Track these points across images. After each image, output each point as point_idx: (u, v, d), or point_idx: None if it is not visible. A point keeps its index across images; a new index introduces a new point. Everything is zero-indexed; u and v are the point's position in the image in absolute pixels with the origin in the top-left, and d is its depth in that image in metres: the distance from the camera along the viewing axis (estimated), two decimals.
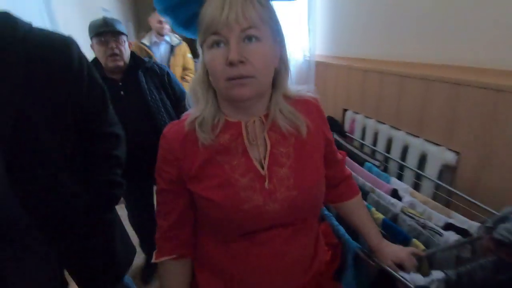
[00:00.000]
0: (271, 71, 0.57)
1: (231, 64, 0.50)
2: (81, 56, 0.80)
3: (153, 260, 0.68)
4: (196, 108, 0.60)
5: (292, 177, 0.59)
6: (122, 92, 1.38)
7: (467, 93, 1.03)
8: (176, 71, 2.55)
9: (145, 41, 2.49)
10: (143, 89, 1.40)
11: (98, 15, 1.66)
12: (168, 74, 1.52)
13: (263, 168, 0.59)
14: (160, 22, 2.47)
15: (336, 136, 1.66)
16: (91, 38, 1.36)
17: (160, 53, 2.56)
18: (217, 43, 0.52)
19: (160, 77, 1.49)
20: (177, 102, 1.53)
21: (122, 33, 1.37)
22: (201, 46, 0.56)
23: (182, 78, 2.62)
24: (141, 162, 1.25)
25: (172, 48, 2.58)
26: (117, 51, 1.33)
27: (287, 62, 0.61)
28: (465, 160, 1.08)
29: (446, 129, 1.13)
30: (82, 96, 0.80)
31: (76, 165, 0.81)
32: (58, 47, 0.75)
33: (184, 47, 2.65)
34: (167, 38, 2.57)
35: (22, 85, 0.67)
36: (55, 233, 0.78)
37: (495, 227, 0.74)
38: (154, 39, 2.54)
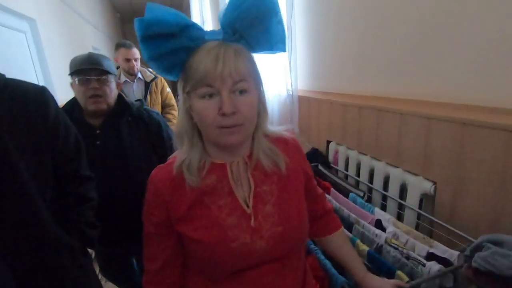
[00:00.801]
0: (256, 117, 0.62)
1: (223, 115, 0.54)
2: (56, 105, 0.87)
3: None
4: (181, 151, 0.63)
5: (277, 213, 0.62)
6: (98, 142, 1.18)
7: (438, 126, 1.10)
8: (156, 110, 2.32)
9: None
10: (123, 140, 1.19)
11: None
12: (159, 124, 1.31)
13: (248, 206, 0.61)
14: (128, 60, 2.16)
15: (321, 167, 1.71)
16: (71, 75, 1.17)
17: (133, 93, 2.23)
18: (209, 95, 0.56)
19: (149, 128, 1.27)
20: (164, 158, 1.10)
21: (108, 72, 1.19)
22: (187, 92, 0.59)
23: (163, 117, 2.35)
24: (115, 226, 1.15)
25: (147, 85, 2.26)
26: (99, 92, 1.15)
27: (265, 103, 0.66)
28: (441, 189, 1.13)
29: (422, 159, 1.20)
30: (58, 142, 0.87)
31: (55, 207, 0.85)
32: (35, 97, 0.81)
33: (161, 81, 2.35)
34: (139, 75, 2.28)
35: (7, 131, 0.72)
36: (26, 275, 0.79)
37: (472, 256, 0.77)
38: (124, 78, 2.22)
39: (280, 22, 0.60)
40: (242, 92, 0.57)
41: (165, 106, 2.36)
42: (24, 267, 0.77)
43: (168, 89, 2.39)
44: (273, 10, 0.58)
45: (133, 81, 2.23)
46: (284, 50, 0.63)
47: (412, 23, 1.22)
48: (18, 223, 0.76)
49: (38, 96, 0.82)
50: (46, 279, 0.83)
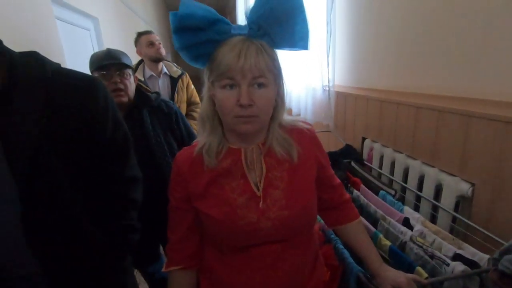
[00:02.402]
0: (271, 110, 0.66)
1: (241, 105, 0.60)
2: (107, 98, 0.79)
3: (163, 270, 0.76)
4: (203, 136, 0.70)
5: (285, 198, 0.67)
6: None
7: (478, 124, 1.04)
8: (182, 108, 2.12)
9: (139, 75, 1.99)
10: (147, 130, 1.25)
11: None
12: (176, 113, 1.37)
13: (258, 189, 0.67)
14: (152, 43, 1.99)
15: (354, 164, 1.69)
16: (92, 72, 1.23)
17: (159, 89, 2.05)
18: (230, 86, 0.61)
19: (168, 117, 1.33)
20: (183, 145, 1.18)
21: (128, 66, 1.25)
22: (212, 81, 0.65)
23: (188, 114, 2.18)
24: (144, 217, 1.04)
25: (173, 82, 2.10)
26: (121, 85, 1.20)
27: (283, 96, 0.70)
28: (479, 191, 1.07)
29: (460, 159, 1.14)
30: (105, 138, 0.78)
31: (92, 208, 0.77)
32: (83, 87, 0.74)
33: (187, 77, 2.20)
34: (164, 69, 2.11)
35: (43, 123, 0.65)
36: (64, 279, 0.74)
37: (500, 259, 0.73)
38: (149, 72, 2.04)
39: (304, 20, 0.62)
40: (260, 86, 0.61)
41: (190, 104, 2.22)
42: (59, 270, 0.72)
43: (193, 86, 2.25)
44: (299, 9, 0.61)
45: (159, 76, 2.07)
46: (306, 48, 0.65)
47: (456, 17, 1.16)
48: (49, 216, 0.68)
49: (87, 85, 0.75)
50: (83, 283, 0.77)
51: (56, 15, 1.67)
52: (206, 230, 0.72)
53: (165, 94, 2.06)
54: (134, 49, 2.21)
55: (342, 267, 0.87)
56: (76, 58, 2.08)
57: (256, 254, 0.67)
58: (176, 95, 2.07)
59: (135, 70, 1.98)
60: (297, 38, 0.63)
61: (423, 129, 1.32)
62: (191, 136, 1.40)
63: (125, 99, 1.22)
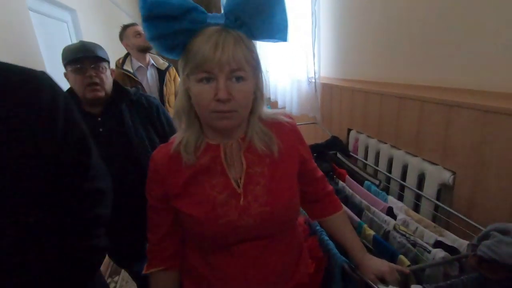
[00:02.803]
0: (250, 104, 0.64)
1: (218, 100, 0.57)
2: (56, 95, 0.61)
3: (143, 272, 0.73)
4: (180, 132, 0.67)
5: (266, 194, 0.65)
6: (100, 129, 1.17)
7: (458, 114, 1.06)
8: (171, 101, 2.09)
9: (128, 67, 1.97)
10: (127, 125, 1.19)
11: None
12: (157, 107, 1.32)
13: (239, 186, 0.65)
14: (140, 34, 1.97)
15: (339, 155, 1.70)
16: (65, 66, 1.16)
17: (147, 80, 2.02)
18: (206, 79, 0.57)
19: (148, 112, 1.28)
20: (165, 139, 1.09)
21: (103, 60, 1.18)
22: (187, 74, 0.61)
23: None
24: (122, 212, 1.01)
25: (161, 74, 2.07)
26: (96, 79, 1.14)
27: (262, 89, 0.67)
28: (460, 179, 1.09)
29: (442, 148, 1.16)
30: (54, 144, 0.60)
31: (49, 228, 0.61)
32: (19, 83, 0.57)
33: (173, 70, 2.17)
34: (151, 61, 2.09)
35: None
36: None
37: (479, 244, 0.75)
38: (137, 63, 1.99)
39: (283, 10, 0.60)
40: (238, 79, 0.58)
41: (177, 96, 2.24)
42: None
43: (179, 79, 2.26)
44: None
45: (147, 68, 2.02)
46: (285, 40, 0.63)
47: (437, 10, 1.16)
48: None
49: (25, 80, 0.59)
50: None
51: (30, 6, 1.59)
52: (186, 229, 0.69)
53: (154, 85, 2.03)
54: (117, 43, 2.15)
55: (327, 258, 0.88)
56: (53, 52, 2.00)
57: (239, 251, 0.65)
58: (165, 87, 2.04)
59: (122, 63, 1.96)
60: (275, 29, 0.61)
61: (406, 119, 1.34)
62: (173, 131, 1.31)
63: (101, 93, 1.15)
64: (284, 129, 0.71)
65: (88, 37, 2.56)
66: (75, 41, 2.36)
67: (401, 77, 1.43)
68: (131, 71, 1.93)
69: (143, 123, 1.25)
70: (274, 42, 0.64)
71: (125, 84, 1.82)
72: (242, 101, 0.60)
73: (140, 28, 2.01)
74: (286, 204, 0.67)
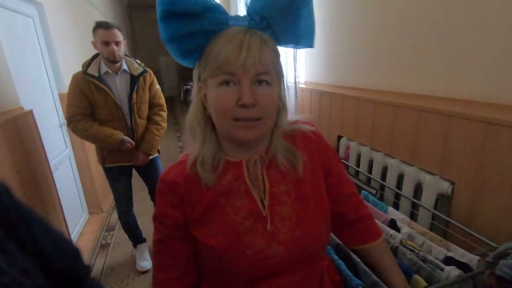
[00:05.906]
0: (276, 113, 0.57)
1: (243, 106, 0.50)
2: (18, 205, 0.42)
3: None
4: (193, 146, 0.58)
5: (294, 215, 0.57)
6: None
7: (459, 124, 1.05)
8: (142, 110, 1.87)
9: (92, 71, 1.69)
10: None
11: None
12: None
13: (264, 207, 0.57)
14: (106, 43, 1.67)
15: None
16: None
17: (116, 87, 1.78)
18: (227, 82, 0.51)
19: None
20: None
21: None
22: (204, 80, 0.54)
23: (150, 119, 1.94)
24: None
25: (133, 80, 1.81)
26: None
27: (284, 100, 0.60)
28: (459, 190, 1.09)
29: (440, 158, 1.15)
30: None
31: None
32: None
33: (151, 76, 1.91)
34: (124, 66, 1.80)
35: None
36: None
37: (496, 263, 0.74)
38: (105, 68, 1.74)
39: (310, 14, 0.55)
40: (262, 83, 0.52)
41: (153, 105, 1.94)
42: None
43: (158, 86, 1.99)
44: (304, 1, 0.53)
45: (117, 73, 1.78)
46: (311, 46, 0.57)
47: (433, 17, 1.16)
48: None
49: None
50: None
51: None
52: (206, 262, 0.59)
53: (122, 92, 1.81)
54: (87, 41, 1.96)
55: (342, 281, 0.82)
56: (18, 49, 1.80)
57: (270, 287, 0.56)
58: (135, 94, 1.80)
59: (88, 65, 1.71)
60: (301, 33, 0.55)
61: (401, 128, 1.33)
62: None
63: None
64: (311, 142, 0.63)
65: (56, 34, 2.36)
66: (42, 37, 2.16)
67: (397, 85, 1.42)
68: (96, 75, 1.69)
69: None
70: (299, 48, 0.58)
71: (90, 90, 1.68)
72: (268, 108, 0.52)
73: (111, 35, 1.70)
74: (318, 227, 0.59)
